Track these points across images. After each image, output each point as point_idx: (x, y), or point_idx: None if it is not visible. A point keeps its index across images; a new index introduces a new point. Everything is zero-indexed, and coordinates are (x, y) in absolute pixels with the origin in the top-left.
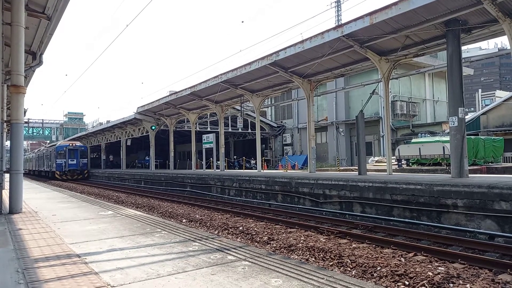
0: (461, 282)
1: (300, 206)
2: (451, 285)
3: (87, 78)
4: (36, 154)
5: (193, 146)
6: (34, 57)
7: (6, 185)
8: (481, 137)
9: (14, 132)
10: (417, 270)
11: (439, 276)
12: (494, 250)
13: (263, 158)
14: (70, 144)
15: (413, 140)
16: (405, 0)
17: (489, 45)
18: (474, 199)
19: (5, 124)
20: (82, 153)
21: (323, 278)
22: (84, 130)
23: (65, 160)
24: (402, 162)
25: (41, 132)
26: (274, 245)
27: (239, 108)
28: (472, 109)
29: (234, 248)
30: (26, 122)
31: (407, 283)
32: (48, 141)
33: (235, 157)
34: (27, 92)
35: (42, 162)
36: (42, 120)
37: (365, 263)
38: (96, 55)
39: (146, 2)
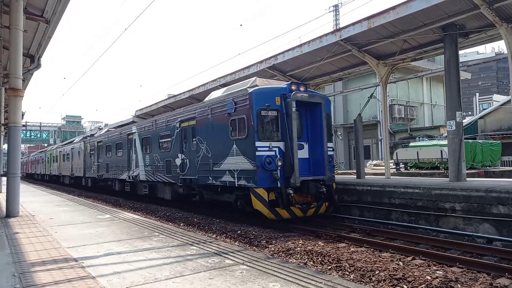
0: (459, 286)
1: None
2: None
3: (85, 81)
4: (91, 141)
5: None
6: (32, 60)
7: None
8: (479, 141)
9: (11, 135)
10: (415, 274)
11: (438, 280)
12: (492, 254)
13: None
14: (302, 89)
15: (411, 144)
16: (403, 5)
17: (487, 50)
18: (472, 202)
19: (2, 127)
20: (328, 126)
21: (321, 282)
22: (82, 133)
23: (283, 145)
24: (400, 166)
25: (38, 135)
26: (272, 249)
27: None
28: (470, 113)
29: (232, 252)
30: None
31: (405, 287)
32: (45, 144)
33: None
34: (25, 95)
35: (129, 159)
36: (40, 123)
37: (363, 267)
38: (94, 58)
39: (145, 5)
